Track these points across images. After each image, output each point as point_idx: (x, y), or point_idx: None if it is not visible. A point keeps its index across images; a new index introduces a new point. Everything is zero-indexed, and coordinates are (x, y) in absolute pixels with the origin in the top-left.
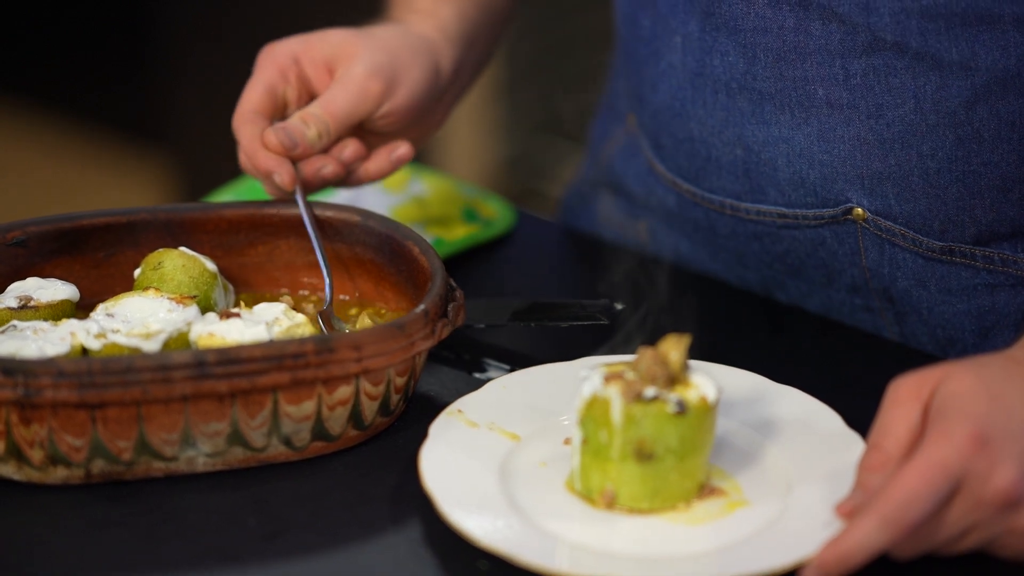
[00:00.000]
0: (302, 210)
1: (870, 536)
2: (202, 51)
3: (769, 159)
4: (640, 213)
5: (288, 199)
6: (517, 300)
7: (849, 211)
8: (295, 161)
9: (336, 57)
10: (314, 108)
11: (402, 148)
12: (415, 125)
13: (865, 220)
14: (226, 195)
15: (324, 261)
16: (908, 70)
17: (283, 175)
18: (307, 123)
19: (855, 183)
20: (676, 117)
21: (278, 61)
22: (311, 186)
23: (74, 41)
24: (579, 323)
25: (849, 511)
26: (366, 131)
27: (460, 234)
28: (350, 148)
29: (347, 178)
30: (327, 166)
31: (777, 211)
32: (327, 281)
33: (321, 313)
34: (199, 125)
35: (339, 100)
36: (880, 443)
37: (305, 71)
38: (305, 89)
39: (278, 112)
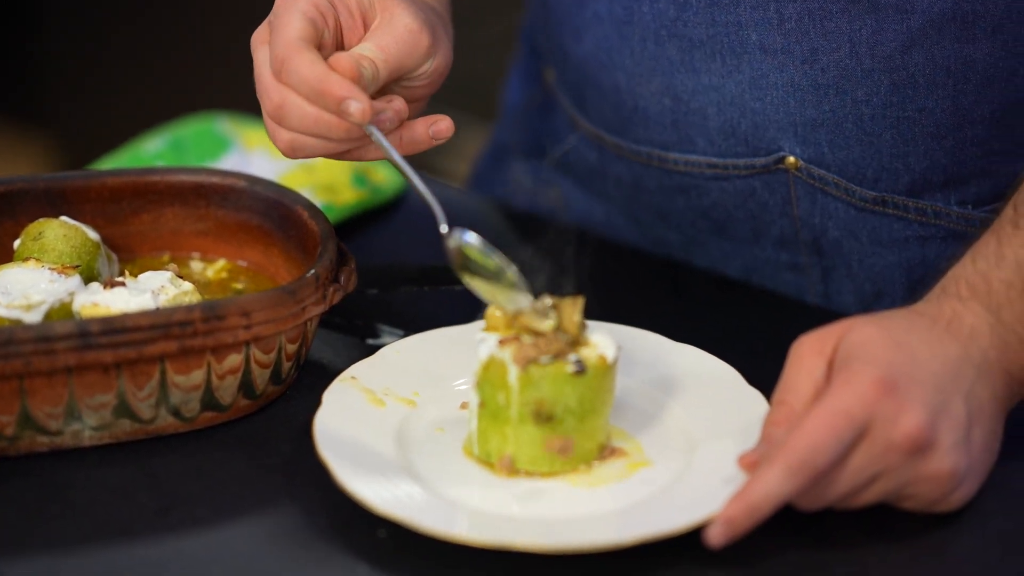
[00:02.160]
0: (383, 143)
1: (775, 485)
2: (82, 33)
3: (698, 108)
4: (554, 177)
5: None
6: (410, 265)
7: (781, 160)
8: None
9: (370, 8)
10: (366, 49)
11: (443, 122)
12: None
13: (797, 169)
14: (109, 164)
15: (424, 188)
16: (844, 13)
17: (362, 103)
18: (362, 63)
19: (787, 131)
20: (602, 68)
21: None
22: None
23: None
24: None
25: (752, 462)
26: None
27: (349, 199)
28: (398, 101)
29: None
30: (387, 111)
31: (707, 161)
32: (435, 207)
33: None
34: (78, 107)
35: (392, 46)
36: (784, 399)
37: (340, 18)
38: (337, 38)
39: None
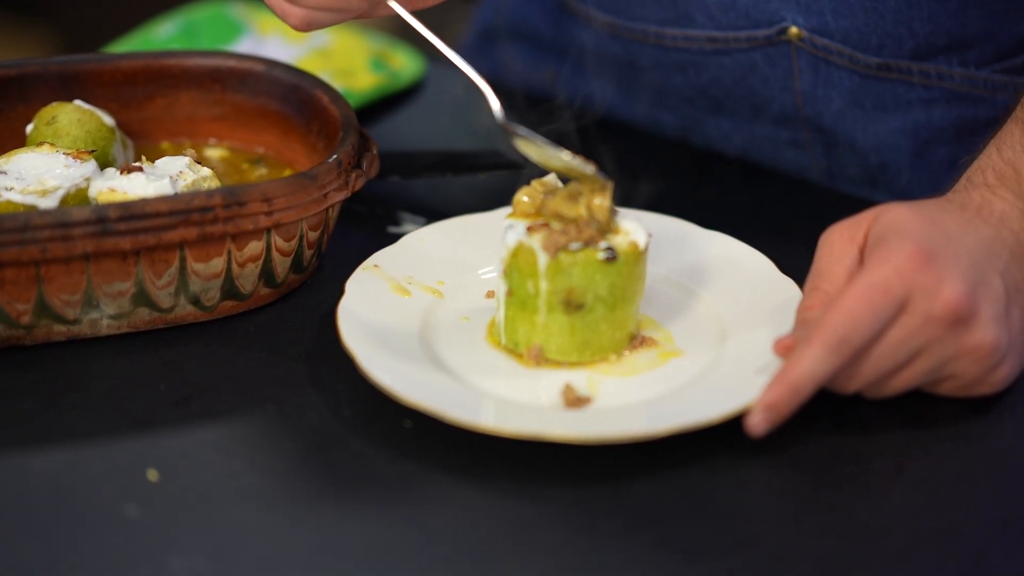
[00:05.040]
0: (411, 21)
1: (814, 364)
2: None
3: None
4: (546, 58)
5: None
6: (431, 151)
7: (784, 31)
8: None
9: None
10: None
11: None
12: None
13: (801, 39)
14: (122, 47)
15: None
16: None
17: None
18: None
19: (789, 1)
20: None
21: None
22: None
23: None
24: (497, 172)
25: (788, 346)
26: None
27: (368, 85)
28: None
29: None
30: None
31: (707, 35)
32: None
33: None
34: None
35: None
36: (818, 285)
37: None
38: None
39: None
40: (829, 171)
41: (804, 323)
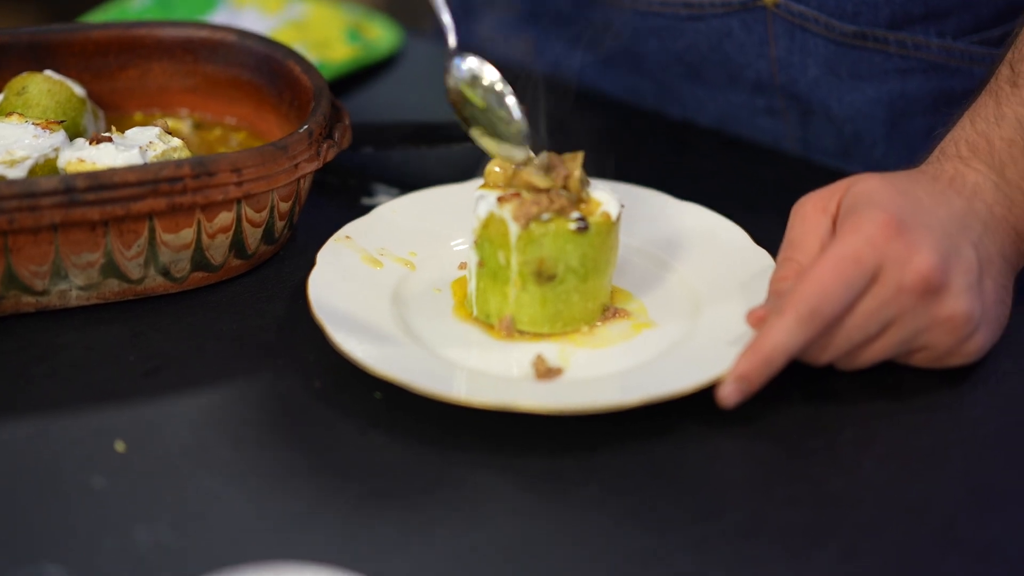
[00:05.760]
0: None
1: (786, 335)
2: None
3: None
4: (524, 26)
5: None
6: (405, 122)
7: None
8: None
9: None
10: None
11: None
12: None
13: (776, 5)
14: (97, 17)
15: None
16: None
17: None
18: None
19: None
20: None
21: None
22: None
23: None
24: (470, 143)
25: (760, 317)
26: None
27: (343, 56)
28: None
29: None
30: None
31: (683, 0)
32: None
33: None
34: None
35: None
36: (791, 256)
37: None
38: None
39: None
40: (804, 141)
41: (777, 294)
